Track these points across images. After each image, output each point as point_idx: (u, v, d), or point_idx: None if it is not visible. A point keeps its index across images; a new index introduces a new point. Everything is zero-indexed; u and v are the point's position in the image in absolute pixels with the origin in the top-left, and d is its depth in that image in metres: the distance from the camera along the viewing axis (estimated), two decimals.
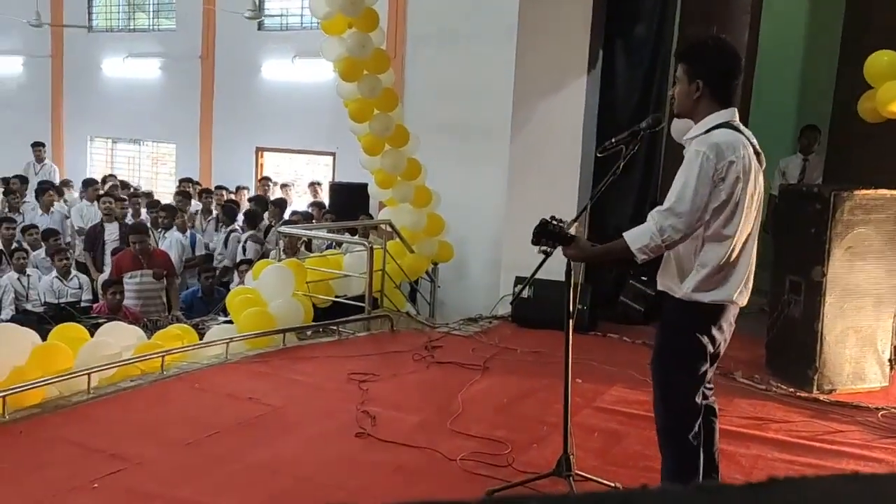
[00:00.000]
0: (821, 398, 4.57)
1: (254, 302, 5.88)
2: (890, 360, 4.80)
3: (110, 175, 11.73)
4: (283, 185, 10.78)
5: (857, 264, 4.63)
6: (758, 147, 2.76)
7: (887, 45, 5.11)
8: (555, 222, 2.91)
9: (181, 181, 11.05)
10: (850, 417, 4.29)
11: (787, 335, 4.88)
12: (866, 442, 3.96)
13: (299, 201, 10.73)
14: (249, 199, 9.87)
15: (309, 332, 5.87)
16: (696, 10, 5.88)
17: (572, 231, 2.97)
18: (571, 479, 3.06)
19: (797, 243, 4.81)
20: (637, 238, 2.68)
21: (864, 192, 4.60)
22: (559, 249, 2.97)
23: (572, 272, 3.09)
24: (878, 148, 5.28)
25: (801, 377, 4.71)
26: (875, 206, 4.61)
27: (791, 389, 4.68)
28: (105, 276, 7.31)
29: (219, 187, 10.71)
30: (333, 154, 11.29)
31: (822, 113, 6.25)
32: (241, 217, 8.90)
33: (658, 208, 2.68)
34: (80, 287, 7.42)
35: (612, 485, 3.23)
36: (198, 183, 11.22)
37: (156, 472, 3.34)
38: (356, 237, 7.84)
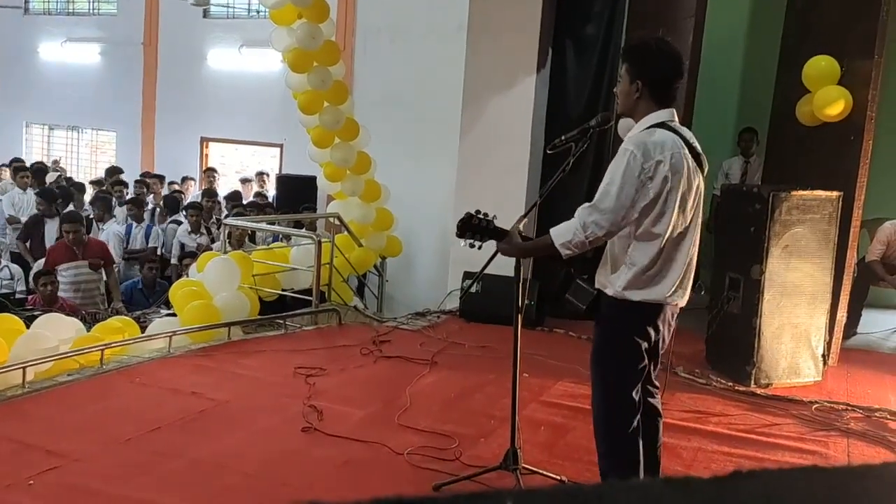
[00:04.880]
0: (758, 392, 4.71)
1: (198, 295, 5.78)
2: (823, 356, 4.97)
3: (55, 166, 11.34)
4: (245, 180, 10.59)
5: (794, 263, 4.79)
6: (698, 148, 2.79)
7: (825, 51, 5.29)
8: (480, 216, 2.92)
9: (109, 170, 10.78)
10: (786, 411, 4.43)
11: (727, 331, 5.01)
12: (801, 435, 4.10)
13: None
14: (204, 193, 9.61)
15: (255, 326, 5.79)
16: (643, 13, 5.99)
17: (521, 227, 3.00)
18: (518, 472, 3.08)
19: (737, 242, 4.95)
20: (561, 234, 2.71)
21: (800, 192, 4.75)
22: (488, 243, 2.98)
23: (521, 268, 3.12)
24: (815, 150, 5.46)
25: (740, 372, 4.85)
26: (811, 206, 4.77)
27: (730, 383, 4.82)
28: (38, 266, 7.08)
29: (153, 176, 10.48)
30: (281, 145, 11.15)
31: (762, 116, 6.43)
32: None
33: (584, 205, 2.71)
34: (12, 278, 7.18)
35: (559, 478, 3.28)
36: (147, 173, 10.98)
37: (95, 468, 3.25)
38: (304, 230, 7.76)
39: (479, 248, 2.97)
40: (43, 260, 7.13)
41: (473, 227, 2.90)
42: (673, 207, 2.67)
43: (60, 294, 6.33)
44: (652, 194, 2.64)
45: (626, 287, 2.72)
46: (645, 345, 2.78)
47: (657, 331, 2.78)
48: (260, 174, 10.67)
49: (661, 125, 2.72)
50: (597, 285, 2.85)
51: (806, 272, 4.81)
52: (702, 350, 5.27)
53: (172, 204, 8.90)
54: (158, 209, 8.97)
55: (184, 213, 8.49)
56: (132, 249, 8.13)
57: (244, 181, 10.52)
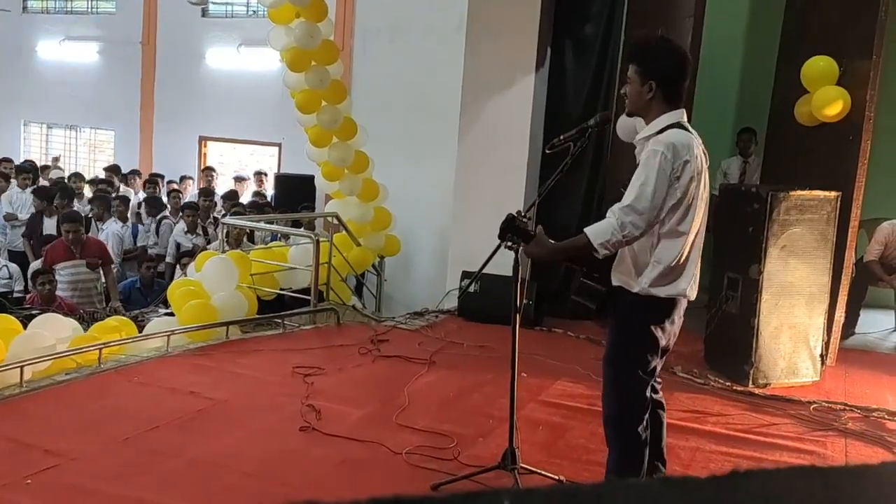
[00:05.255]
0: (756, 392, 4.71)
1: (196, 294, 5.77)
2: (821, 356, 4.98)
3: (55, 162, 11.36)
4: (239, 179, 10.59)
5: (792, 263, 4.79)
6: (703, 147, 2.85)
7: (824, 51, 5.29)
8: (522, 218, 2.94)
9: (107, 169, 10.78)
10: (784, 411, 4.43)
11: (725, 331, 5.02)
12: (799, 434, 4.11)
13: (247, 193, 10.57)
14: (200, 193, 9.58)
15: (253, 325, 5.79)
16: (643, 12, 5.99)
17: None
18: (516, 472, 3.09)
19: (736, 241, 4.95)
20: (599, 234, 2.73)
21: (799, 192, 4.76)
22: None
23: (519, 268, 3.12)
24: (814, 150, 5.46)
25: (738, 371, 4.86)
26: (809, 206, 4.78)
27: (728, 383, 4.82)
28: (36, 265, 7.08)
29: (154, 175, 10.48)
30: (279, 145, 11.14)
31: (761, 116, 6.43)
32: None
33: (619, 205, 2.74)
34: (10, 276, 7.17)
35: (557, 478, 3.28)
36: (137, 171, 10.98)
37: (92, 467, 3.25)
38: (302, 229, 7.76)
39: (517, 251, 3.00)
40: (41, 259, 7.13)
41: (515, 229, 2.93)
42: (696, 206, 2.75)
43: (58, 293, 6.32)
44: (679, 194, 2.70)
45: (653, 284, 2.78)
46: (662, 340, 2.83)
47: (673, 324, 2.86)
48: (258, 174, 10.67)
49: (677, 125, 2.76)
50: (616, 283, 2.87)
51: (804, 272, 4.82)
52: (700, 350, 5.27)
53: (155, 203, 8.86)
54: (144, 207, 9.00)
55: (180, 213, 8.49)
56: (125, 249, 8.13)
57: (238, 179, 10.52)
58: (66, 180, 9.89)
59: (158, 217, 8.56)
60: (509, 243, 2.96)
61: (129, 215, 8.58)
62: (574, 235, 2.84)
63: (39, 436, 3.49)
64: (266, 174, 10.69)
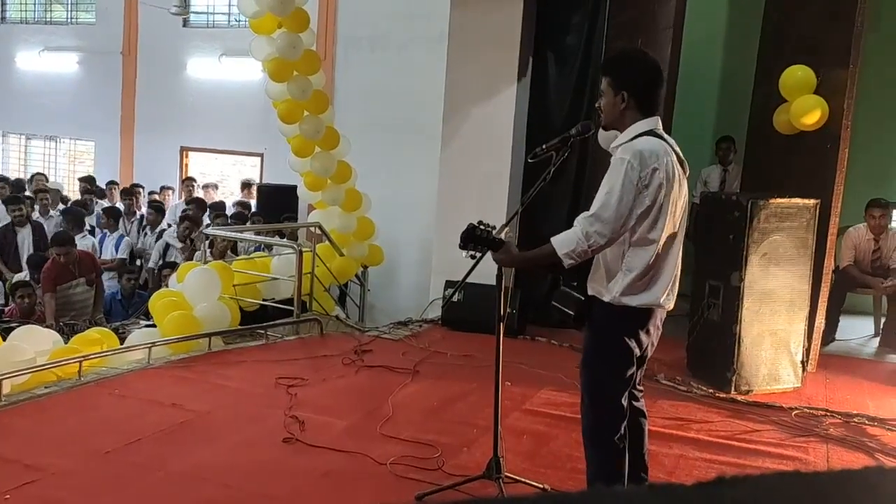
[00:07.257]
0: (738, 399, 4.74)
1: (178, 305, 5.73)
2: (802, 362, 5.02)
3: (38, 174, 11.20)
4: (206, 186, 10.53)
5: (772, 270, 4.83)
6: (681, 155, 2.84)
7: (801, 61, 5.36)
8: (483, 227, 2.94)
9: (82, 180, 10.67)
10: (766, 417, 4.46)
11: (707, 338, 5.05)
12: (781, 441, 4.13)
13: (227, 201, 10.51)
14: (188, 202, 9.46)
15: (235, 337, 5.75)
16: (623, 24, 6.04)
17: (502, 236, 3.01)
18: (501, 481, 3.08)
19: (717, 249, 4.99)
20: (564, 243, 2.73)
21: (778, 200, 4.80)
22: (488, 254, 3.00)
23: (503, 276, 3.13)
24: (793, 158, 5.53)
25: (720, 378, 4.89)
26: (789, 214, 4.83)
27: (710, 390, 4.85)
28: (19, 277, 6.99)
29: (135, 185, 10.39)
30: (261, 155, 11.11)
31: (740, 125, 6.50)
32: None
33: (584, 214, 2.74)
34: None
35: (542, 486, 3.28)
36: (115, 182, 10.88)
37: (73, 482, 3.21)
38: (285, 240, 7.73)
39: (479, 259, 2.99)
40: (23, 273, 7.04)
41: (476, 239, 2.93)
42: (667, 213, 2.73)
43: (58, 314, 6.17)
44: (648, 202, 2.68)
45: (623, 293, 2.75)
46: (637, 350, 2.81)
47: (648, 335, 2.83)
48: (246, 184, 10.54)
49: (649, 133, 2.76)
50: (591, 292, 2.87)
51: (784, 279, 4.86)
52: (683, 357, 5.30)
53: (112, 213, 8.76)
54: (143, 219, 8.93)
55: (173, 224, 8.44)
56: (103, 260, 8.05)
57: (206, 187, 10.48)
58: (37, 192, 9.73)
59: (159, 230, 8.51)
60: (472, 253, 2.97)
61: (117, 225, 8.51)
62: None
63: (19, 450, 3.45)
64: (252, 185, 10.62)
